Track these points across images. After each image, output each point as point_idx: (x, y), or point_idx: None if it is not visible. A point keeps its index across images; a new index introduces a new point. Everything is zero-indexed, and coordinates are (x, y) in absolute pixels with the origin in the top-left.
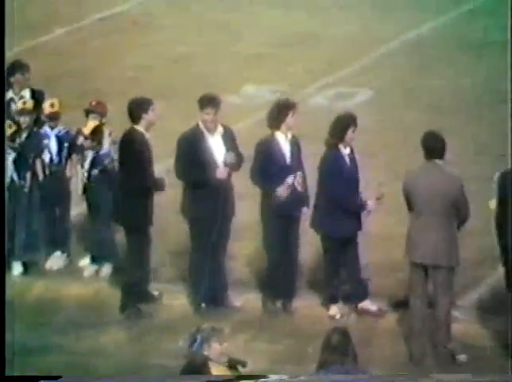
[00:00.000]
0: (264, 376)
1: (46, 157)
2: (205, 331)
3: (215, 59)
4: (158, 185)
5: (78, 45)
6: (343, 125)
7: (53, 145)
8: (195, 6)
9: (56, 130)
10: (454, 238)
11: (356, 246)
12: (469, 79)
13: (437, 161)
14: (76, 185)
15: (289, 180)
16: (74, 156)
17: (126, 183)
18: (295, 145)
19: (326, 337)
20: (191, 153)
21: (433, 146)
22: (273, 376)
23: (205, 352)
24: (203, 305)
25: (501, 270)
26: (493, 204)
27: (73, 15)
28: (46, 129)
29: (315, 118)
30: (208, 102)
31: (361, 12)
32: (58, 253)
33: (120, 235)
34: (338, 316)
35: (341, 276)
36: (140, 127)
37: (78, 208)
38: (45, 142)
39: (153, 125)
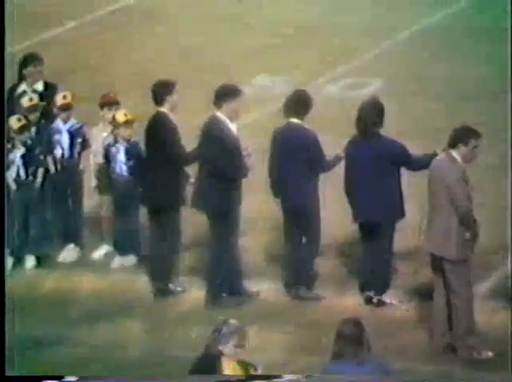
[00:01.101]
0: (278, 376)
1: (58, 152)
2: (231, 326)
3: (227, 50)
4: (189, 161)
5: (89, 38)
6: (380, 110)
7: (65, 140)
8: None
9: (68, 125)
10: (451, 230)
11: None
12: (483, 68)
13: (454, 151)
14: (89, 178)
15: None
16: (89, 149)
17: (156, 164)
18: None
19: (339, 327)
20: (218, 143)
21: (459, 137)
22: (286, 376)
23: (220, 348)
24: (223, 295)
25: None
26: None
27: (84, 8)
28: (58, 123)
29: (328, 108)
30: (232, 93)
31: (373, 0)
32: (71, 246)
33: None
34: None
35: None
36: (165, 109)
37: (91, 201)
38: (57, 137)
39: (176, 106)
